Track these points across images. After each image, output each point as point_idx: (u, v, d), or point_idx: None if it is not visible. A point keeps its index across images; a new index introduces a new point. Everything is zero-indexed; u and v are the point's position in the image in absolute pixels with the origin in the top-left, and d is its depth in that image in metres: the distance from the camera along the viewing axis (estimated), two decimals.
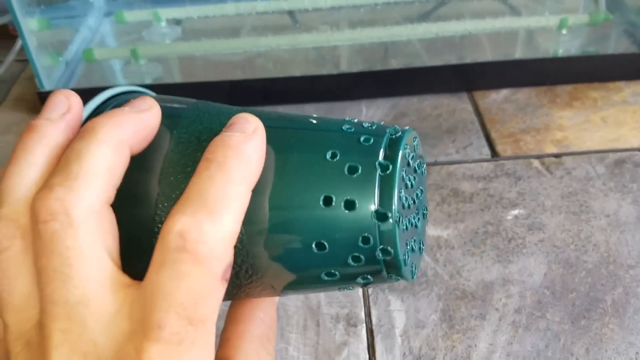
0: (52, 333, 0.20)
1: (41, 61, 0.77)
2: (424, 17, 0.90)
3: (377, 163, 0.22)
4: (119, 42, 0.92)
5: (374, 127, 0.24)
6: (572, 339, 0.49)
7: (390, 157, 0.22)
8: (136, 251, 0.22)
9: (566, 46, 0.83)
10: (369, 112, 0.77)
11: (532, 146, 0.69)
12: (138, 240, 0.22)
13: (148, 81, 0.81)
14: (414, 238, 0.25)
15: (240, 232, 0.22)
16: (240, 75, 0.81)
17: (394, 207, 0.22)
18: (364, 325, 0.51)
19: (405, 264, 0.23)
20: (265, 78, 0.79)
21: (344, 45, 0.86)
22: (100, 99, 0.26)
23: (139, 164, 0.23)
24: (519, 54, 0.85)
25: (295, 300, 0.53)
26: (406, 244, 0.24)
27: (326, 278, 0.23)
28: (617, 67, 0.79)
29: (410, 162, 0.24)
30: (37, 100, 0.79)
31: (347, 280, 0.24)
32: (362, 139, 0.23)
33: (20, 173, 0.21)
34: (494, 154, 0.68)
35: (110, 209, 0.21)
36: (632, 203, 0.61)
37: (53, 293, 0.20)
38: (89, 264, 0.20)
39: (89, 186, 0.20)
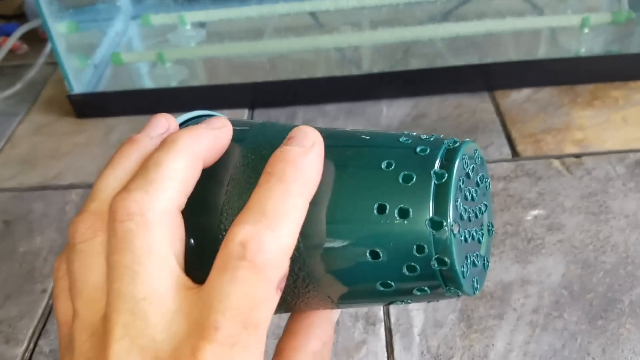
0: (115, 326, 0.21)
1: (70, 64, 0.79)
2: (445, 16, 0.90)
3: (432, 172, 0.22)
4: (145, 45, 0.94)
5: (431, 139, 0.24)
6: (588, 339, 0.50)
7: (447, 166, 0.22)
8: (200, 256, 0.23)
9: (588, 45, 0.83)
10: (389, 112, 0.77)
11: (553, 146, 0.69)
12: (202, 246, 0.24)
13: (174, 84, 0.83)
14: (477, 253, 0.25)
15: (298, 241, 0.23)
16: (262, 77, 0.82)
17: (449, 215, 0.22)
18: (383, 324, 0.52)
19: (464, 277, 0.23)
20: (287, 80, 0.80)
21: (365, 45, 0.87)
22: (182, 119, 0.27)
23: (209, 175, 0.24)
24: (540, 53, 0.86)
25: None
26: (466, 257, 0.23)
27: (382, 289, 0.23)
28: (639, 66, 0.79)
29: (471, 173, 0.24)
30: (68, 103, 0.82)
31: (403, 292, 0.23)
32: (418, 149, 0.23)
33: (114, 175, 0.23)
34: (515, 154, 0.69)
35: (180, 215, 0.23)
36: None
37: (121, 288, 0.21)
38: (157, 263, 0.21)
39: (164, 191, 0.22)
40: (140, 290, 0.21)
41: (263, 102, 0.80)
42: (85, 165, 0.74)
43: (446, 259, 0.22)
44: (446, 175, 0.22)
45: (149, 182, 0.22)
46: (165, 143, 0.23)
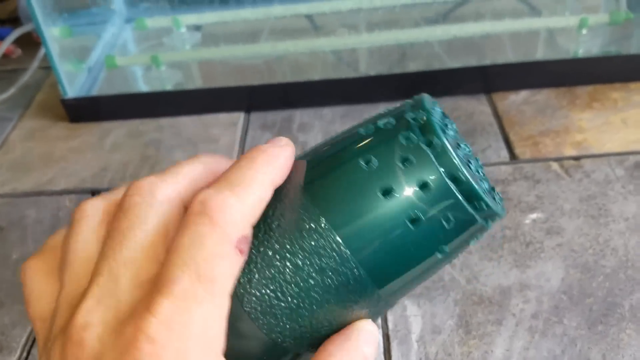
0: (92, 286, 0.22)
1: (64, 68, 0.78)
2: (442, 18, 0.90)
3: (409, 120, 0.25)
4: (139, 48, 0.94)
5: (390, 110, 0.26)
6: (588, 345, 0.49)
7: (419, 111, 0.25)
8: None
9: (586, 46, 0.82)
10: None
11: (551, 149, 0.68)
12: None
13: (169, 87, 0.83)
14: (484, 182, 0.26)
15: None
16: (258, 80, 0.82)
17: (443, 139, 0.24)
18: (380, 330, 0.52)
19: (483, 193, 0.24)
20: (284, 83, 0.79)
21: (362, 48, 0.86)
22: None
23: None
24: (538, 54, 0.85)
25: None
26: (478, 182, 0.25)
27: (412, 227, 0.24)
28: (639, 67, 0.78)
29: (445, 120, 0.27)
30: (61, 107, 0.81)
31: (433, 231, 0.24)
32: (380, 123, 0.25)
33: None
34: (513, 156, 0.68)
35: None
36: None
37: (107, 251, 0.22)
38: (146, 234, 0.22)
39: (252, 192, 0.23)
40: (123, 255, 0.22)
41: (259, 105, 0.80)
42: (79, 170, 0.73)
43: (457, 174, 0.24)
44: (424, 115, 0.24)
45: (235, 184, 0.23)
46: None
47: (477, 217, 0.24)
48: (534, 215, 0.60)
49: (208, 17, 0.91)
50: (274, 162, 0.24)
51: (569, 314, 0.51)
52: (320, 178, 0.25)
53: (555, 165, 0.66)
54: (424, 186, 0.23)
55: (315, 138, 0.74)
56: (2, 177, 0.74)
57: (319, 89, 0.79)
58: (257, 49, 0.86)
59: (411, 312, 0.53)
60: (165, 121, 0.80)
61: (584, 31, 0.83)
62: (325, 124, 0.76)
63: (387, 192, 0.23)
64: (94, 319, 0.21)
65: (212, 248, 0.21)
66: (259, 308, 0.23)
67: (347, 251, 0.23)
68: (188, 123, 0.79)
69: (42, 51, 0.87)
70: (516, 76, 0.78)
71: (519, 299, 0.53)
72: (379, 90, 0.79)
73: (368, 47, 0.86)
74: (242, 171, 0.23)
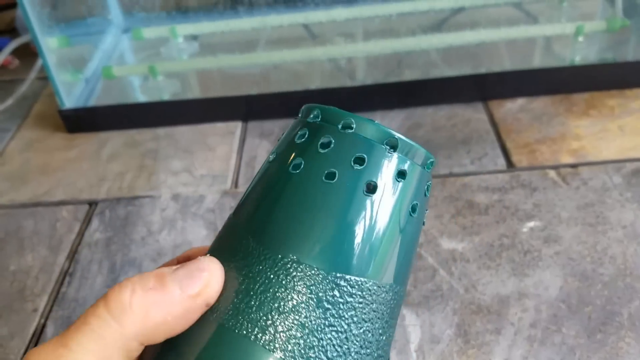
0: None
1: (61, 78, 0.78)
2: (438, 26, 0.90)
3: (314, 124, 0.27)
4: (137, 59, 0.94)
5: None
6: (587, 353, 0.49)
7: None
8: None
9: (583, 53, 0.83)
10: (383, 123, 0.76)
11: (548, 156, 0.68)
12: None
13: (166, 97, 0.83)
14: None
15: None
16: (256, 89, 0.82)
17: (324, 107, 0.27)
18: None
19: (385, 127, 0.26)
20: (280, 92, 0.79)
21: (359, 57, 0.86)
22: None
23: None
24: (535, 62, 0.85)
25: None
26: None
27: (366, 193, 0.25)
28: (635, 74, 0.78)
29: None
30: (59, 118, 0.81)
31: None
32: (296, 139, 0.26)
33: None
34: (510, 164, 0.68)
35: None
36: None
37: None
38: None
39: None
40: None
41: (256, 115, 0.80)
42: (76, 181, 0.73)
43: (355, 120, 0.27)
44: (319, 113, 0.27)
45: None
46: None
47: (395, 154, 0.26)
48: (531, 224, 0.60)
49: (205, 27, 0.91)
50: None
51: (567, 322, 0.51)
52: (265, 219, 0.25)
53: (552, 173, 0.66)
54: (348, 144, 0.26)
55: None
56: (0, 188, 0.74)
57: (316, 98, 0.79)
58: (254, 58, 0.87)
59: (410, 322, 0.53)
60: (162, 131, 0.80)
61: (580, 38, 0.83)
62: None
63: (331, 176, 0.24)
64: None
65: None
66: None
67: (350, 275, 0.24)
68: (185, 132, 0.79)
69: (39, 62, 0.87)
70: (512, 84, 0.78)
71: (517, 308, 0.53)
72: (375, 98, 0.79)
73: (365, 56, 0.86)
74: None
